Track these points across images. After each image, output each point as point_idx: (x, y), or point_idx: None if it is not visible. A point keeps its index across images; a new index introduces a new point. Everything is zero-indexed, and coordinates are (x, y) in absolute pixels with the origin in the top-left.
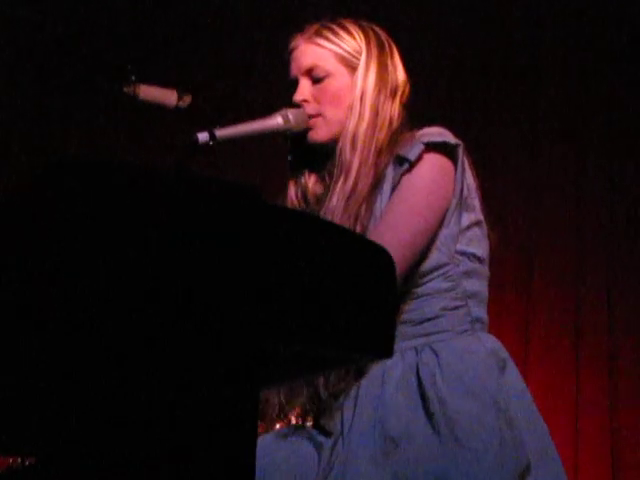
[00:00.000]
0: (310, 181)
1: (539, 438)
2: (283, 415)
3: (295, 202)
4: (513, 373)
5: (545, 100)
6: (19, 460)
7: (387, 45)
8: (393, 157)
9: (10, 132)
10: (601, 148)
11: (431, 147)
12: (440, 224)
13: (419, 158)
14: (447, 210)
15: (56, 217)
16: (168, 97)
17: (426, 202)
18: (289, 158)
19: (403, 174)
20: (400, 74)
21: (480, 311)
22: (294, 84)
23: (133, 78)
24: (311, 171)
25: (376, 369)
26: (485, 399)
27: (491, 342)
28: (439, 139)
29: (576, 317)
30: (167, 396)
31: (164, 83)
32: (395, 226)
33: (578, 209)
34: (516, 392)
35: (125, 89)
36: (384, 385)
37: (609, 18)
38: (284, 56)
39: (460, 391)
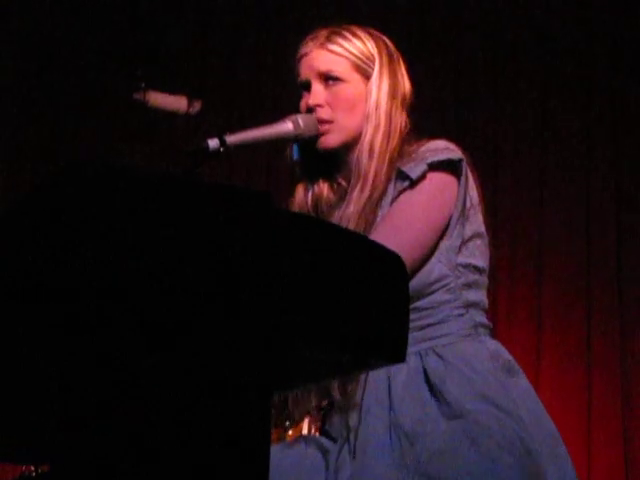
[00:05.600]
0: (322, 187)
1: (548, 437)
2: (292, 422)
3: (305, 208)
4: (519, 375)
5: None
6: (32, 468)
7: (395, 55)
8: (396, 171)
9: (21, 136)
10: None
11: (434, 166)
12: (441, 236)
13: (421, 177)
14: (448, 223)
15: (70, 223)
16: (178, 103)
17: (424, 216)
18: (297, 164)
19: (403, 191)
20: (407, 83)
21: (482, 318)
22: (304, 87)
23: (143, 85)
24: (322, 177)
25: (379, 375)
26: (494, 401)
27: (494, 345)
28: (442, 157)
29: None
30: (177, 407)
31: (174, 89)
32: (394, 236)
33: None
34: (522, 393)
35: (135, 96)
36: (391, 389)
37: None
38: (292, 61)
39: (470, 393)
